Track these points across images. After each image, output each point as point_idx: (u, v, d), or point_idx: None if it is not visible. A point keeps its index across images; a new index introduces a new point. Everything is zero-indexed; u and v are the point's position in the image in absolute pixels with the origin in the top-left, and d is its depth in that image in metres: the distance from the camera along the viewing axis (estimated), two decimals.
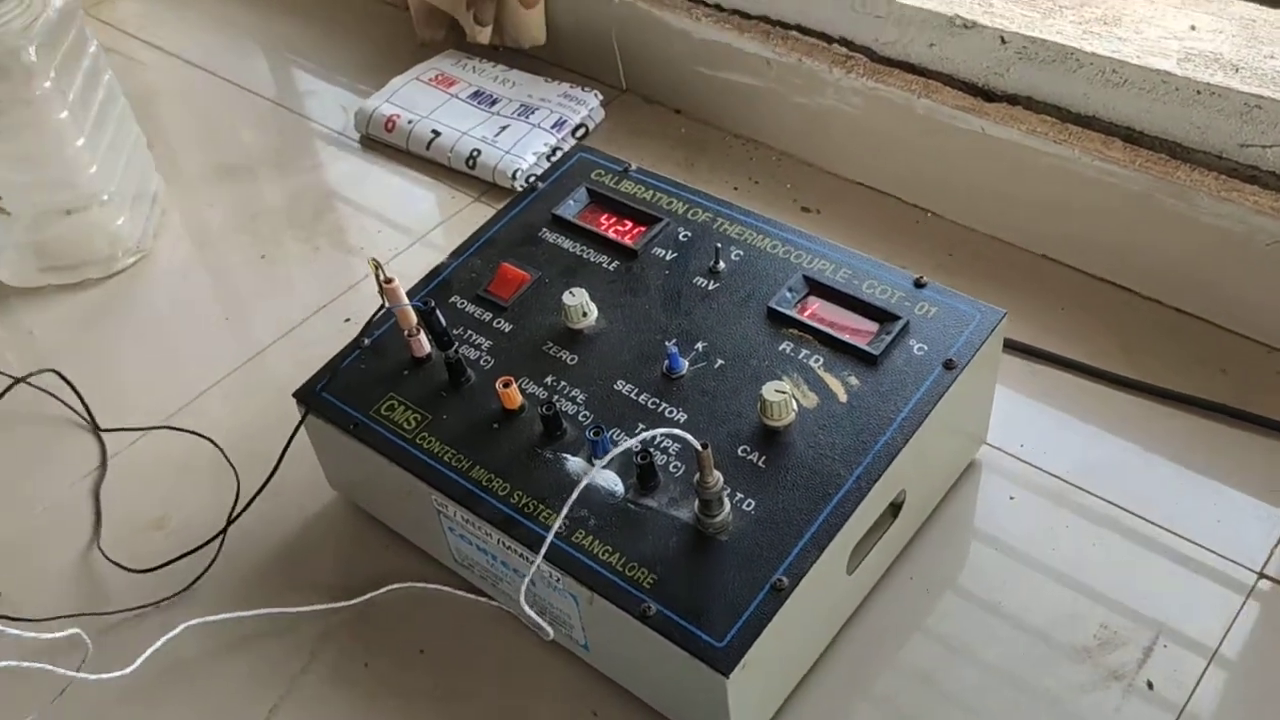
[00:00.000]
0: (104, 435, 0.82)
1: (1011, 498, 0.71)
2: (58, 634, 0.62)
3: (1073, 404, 0.76)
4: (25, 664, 0.59)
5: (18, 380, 0.82)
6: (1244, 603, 0.65)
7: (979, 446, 0.73)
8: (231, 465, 0.78)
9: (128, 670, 0.62)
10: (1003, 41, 0.80)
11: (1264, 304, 0.75)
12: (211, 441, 0.79)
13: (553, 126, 0.99)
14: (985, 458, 0.73)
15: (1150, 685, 0.62)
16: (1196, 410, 0.74)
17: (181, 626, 0.65)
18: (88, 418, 0.83)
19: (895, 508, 0.65)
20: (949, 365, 0.64)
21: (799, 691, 0.63)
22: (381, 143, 1.04)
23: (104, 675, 0.62)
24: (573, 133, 1.00)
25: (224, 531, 0.71)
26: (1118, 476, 0.71)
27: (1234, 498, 0.69)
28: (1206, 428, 0.73)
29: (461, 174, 0.99)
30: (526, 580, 0.58)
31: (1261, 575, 0.66)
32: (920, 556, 0.69)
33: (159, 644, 0.64)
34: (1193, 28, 0.77)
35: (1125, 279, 0.82)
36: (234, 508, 0.72)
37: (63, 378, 0.83)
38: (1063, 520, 0.69)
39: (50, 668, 0.60)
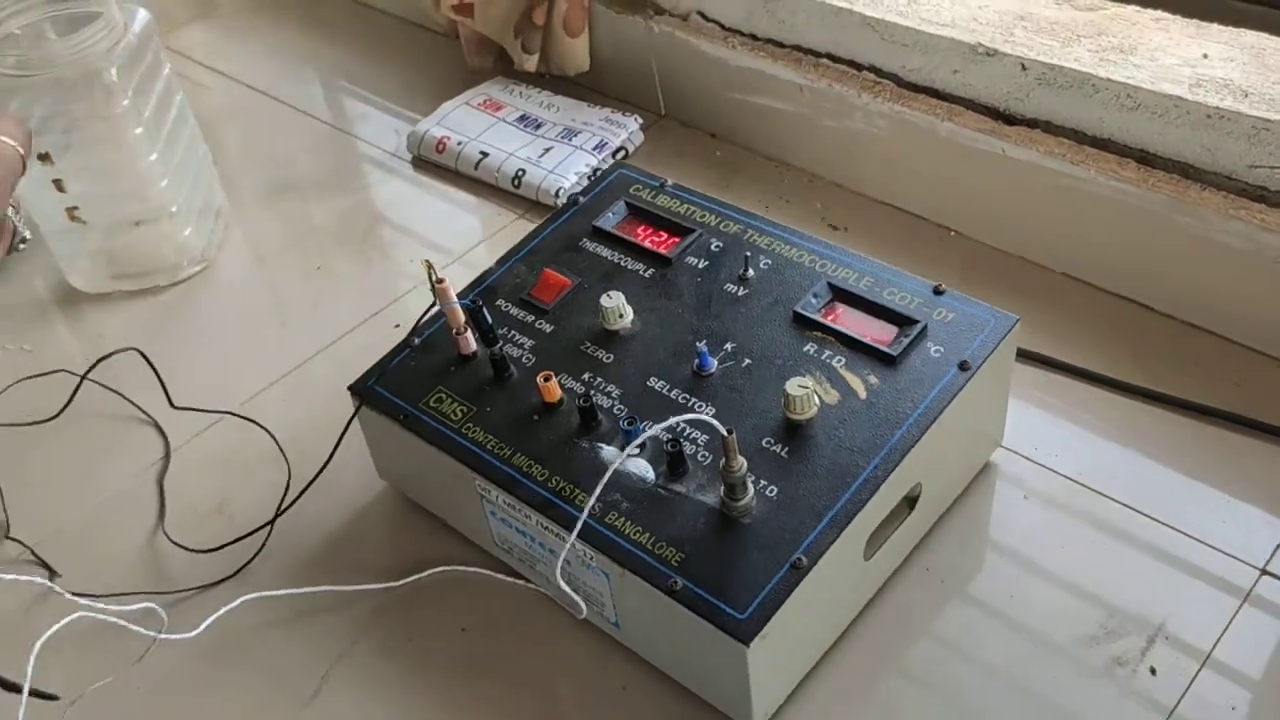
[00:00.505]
0: (166, 431, 0.87)
1: (1025, 497, 0.74)
2: (131, 606, 0.66)
3: (1087, 412, 0.79)
4: (112, 619, 0.64)
5: (101, 359, 0.87)
6: (1246, 597, 0.67)
7: (994, 448, 0.77)
8: (284, 455, 0.83)
9: (192, 635, 0.67)
10: (1023, 68, 0.85)
11: (1273, 318, 0.79)
12: (267, 430, 0.84)
13: (594, 148, 1.04)
14: (1001, 460, 0.77)
15: (1153, 672, 0.65)
16: (1208, 419, 0.77)
17: (240, 600, 0.69)
18: (149, 417, 0.88)
19: (911, 501, 0.68)
20: (964, 366, 0.67)
21: (818, 671, 0.66)
22: (432, 163, 1.10)
23: (172, 636, 0.67)
24: (613, 154, 1.05)
25: (280, 513, 0.76)
26: (1128, 480, 0.74)
27: (1241, 502, 0.72)
28: (1217, 436, 0.76)
29: (507, 193, 1.05)
30: (563, 555, 0.62)
31: (1264, 572, 0.68)
32: (936, 549, 0.72)
33: (220, 612, 0.68)
34: (1205, 56, 0.81)
35: (1140, 295, 0.85)
36: (284, 496, 0.77)
37: (145, 357, 0.87)
38: (1073, 519, 0.73)
39: (132, 626, 0.65)
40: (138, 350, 0.87)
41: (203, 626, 0.68)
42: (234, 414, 0.87)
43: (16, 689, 0.52)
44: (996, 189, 0.89)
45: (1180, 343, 0.82)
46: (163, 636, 0.67)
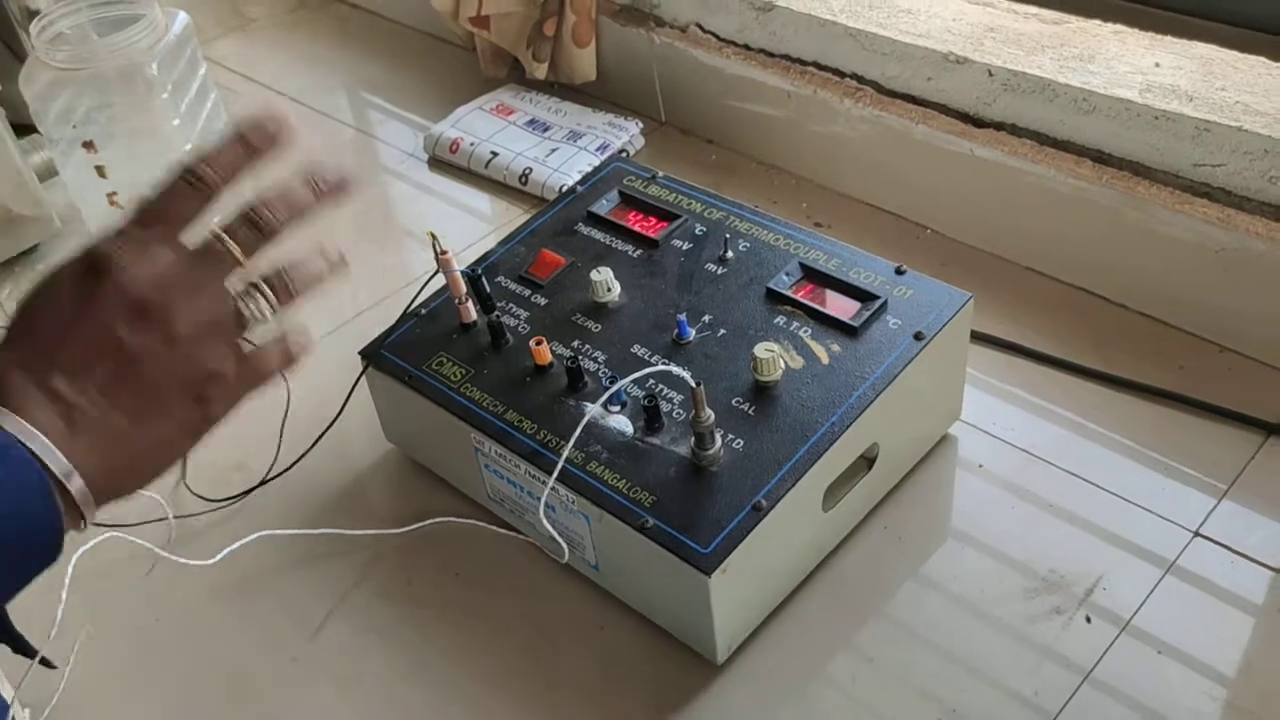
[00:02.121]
0: None
1: (980, 465, 0.80)
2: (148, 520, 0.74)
3: (1043, 392, 0.85)
4: (132, 539, 0.71)
5: None
6: (1179, 554, 0.73)
7: (953, 421, 0.83)
8: (288, 417, 0.90)
9: (209, 562, 0.74)
10: (990, 75, 0.91)
11: (1215, 307, 0.85)
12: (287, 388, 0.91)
13: (597, 149, 1.11)
14: (960, 433, 0.83)
15: (1088, 620, 0.70)
16: (1154, 398, 0.83)
17: (255, 535, 0.76)
18: None
19: (870, 460, 0.74)
20: (918, 336, 0.74)
21: (781, 615, 0.72)
22: (446, 163, 1.17)
23: (188, 561, 0.74)
24: (615, 155, 1.12)
25: (295, 462, 0.83)
26: (1077, 452, 0.80)
27: (1180, 471, 0.78)
28: (1161, 414, 0.82)
29: (515, 189, 1.12)
30: (545, 494, 0.68)
31: (1197, 534, 0.74)
32: (895, 510, 0.78)
33: (235, 546, 0.75)
34: (1157, 64, 0.88)
35: (1097, 286, 0.91)
36: (277, 446, 0.84)
37: None
38: (1024, 485, 0.79)
39: (144, 543, 0.72)
40: None
41: (219, 556, 0.75)
42: None
43: (29, 652, 0.51)
44: (966, 188, 0.95)
45: (1131, 329, 0.88)
46: (178, 559, 0.74)
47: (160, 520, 0.81)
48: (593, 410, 0.67)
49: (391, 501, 0.83)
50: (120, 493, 0.47)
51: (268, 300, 0.51)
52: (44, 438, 0.44)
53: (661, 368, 0.65)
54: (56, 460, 0.44)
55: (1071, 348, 0.87)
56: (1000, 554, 0.74)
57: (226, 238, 0.50)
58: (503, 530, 0.79)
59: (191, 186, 0.49)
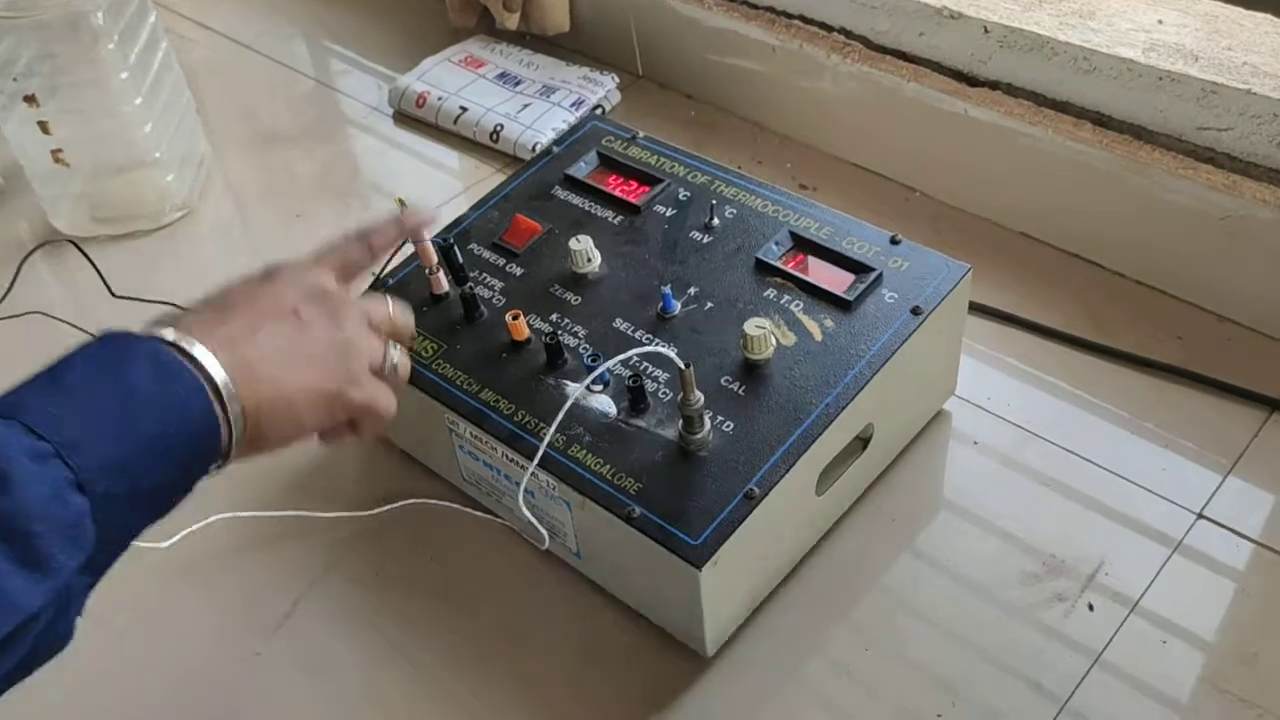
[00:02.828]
0: None
1: (975, 442, 0.77)
2: None
3: (1038, 364, 0.82)
4: None
5: (35, 248, 0.89)
6: (1183, 538, 0.70)
7: (948, 397, 0.79)
8: None
9: (163, 545, 0.69)
10: (985, 31, 0.87)
11: (1216, 276, 0.82)
12: None
13: (571, 105, 1.06)
14: (954, 408, 0.80)
15: (1091, 607, 0.68)
16: (1152, 371, 0.80)
17: (215, 517, 0.72)
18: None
19: (864, 441, 0.71)
20: (916, 311, 0.70)
21: (772, 603, 0.69)
22: (412, 117, 1.12)
23: (140, 542, 0.69)
24: (590, 112, 1.07)
25: None
26: (1075, 428, 0.77)
27: (1181, 448, 0.75)
28: (1161, 387, 0.79)
29: (485, 147, 1.07)
30: (523, 482, 0.65)
31: (1200, 515, 0.72)
32: (889, 491, 0.75)
33: (194, 528, 0.71)
34: (1160, 21, 0.84)
35: (1093, 253, 0.88)
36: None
37: (80, 251, 0.89)
38: (1021, 464, 0.76)
39: None
40: (72, 243, 0.87)
41: (174, 539, 0.70)
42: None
43: None
44: (959, 149, 0.91)
45: (1128, 299, 0.85)
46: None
47: None
48: (576, 392, 0.63)
49: (360, 481, 0.79)
50: (259, 440, 0.51)
51: (400, 354, 0.60)
52: (215, 360, 0.48)
53: (649, 348, 0.61)
54: (222, 378, 0.48)
55: (1066, 317, 0.84)
56: (999, 537, 0.72)
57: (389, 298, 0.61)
58: (478, 513, 0.75)
59: (359, 244, 0.61)
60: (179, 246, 1.02)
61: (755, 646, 0.68)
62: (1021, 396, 0.80)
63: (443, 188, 1.04)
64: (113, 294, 0.90)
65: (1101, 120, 0.84)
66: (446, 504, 0.76)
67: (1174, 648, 0.66)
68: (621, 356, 0.62)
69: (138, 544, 0.69)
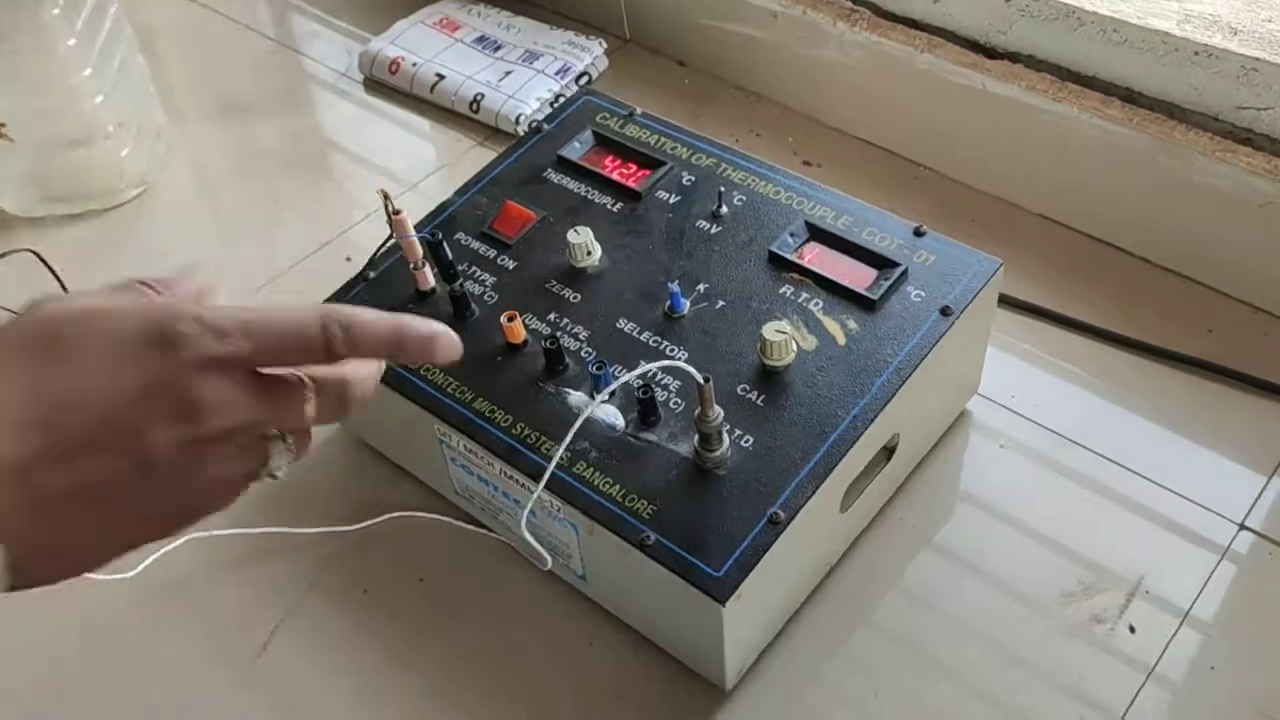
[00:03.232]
0: None
1: (1001, 446, 0.73)
2: None
3: (1063, 359, 0.77)
4: None
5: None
6: (1225, 551, 0.66)
7: (971, 396, 0.74)
8: None
9: (127, 575, 0.63)
10: None
11: (1252, 265, 0.77)
12: None
13: (556, 73, 0.99)
14: (977, 407, 0.75)
15: (1132, 630, 0.63)
16: (1184, 367, 0.76)
17: (185, 538, 0.66)
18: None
19: (889, 450, 0.66)
20: (945, 312, 0.65)
21: (790, 625, 0.65)
22: (385, 85, 1.05)
23: (100, 575, 0.63)
24: (576, 80, 1.00)
25: None
26: (1105, 430, 0.73)
27: (1218, 453, 0.71)
28: (1194, 384, 0.75)
29: (465, 118, 1.00)
30: (527, 508, 0.59)
31: (1242, 527, 0.67)
32: (911, 501, 0.70)
33: (161, 552, 0.65)
34: None
35: (1118, 238, 0.83)
36: None
37: (40, 258, 0.82)
38: (1050, 470, 0.71)
39: None
40: (31, 250, 0.81)
41: (140, 568, 0.64)
42: None
43: None
44: (975, 126, 0.86)
45: (1156, 287, 0.81)
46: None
47: None
48: (589, 408, 0.57)
49: (341, 494, 0.73)
50: (38, 581, 0.39)
51: (290, 457, 0.43)
52: None
53: (668, 363, 0.56)
54: None
55: (1090, 307, 0.79)
56: (1029, 555, 0.67)
57: (310, 384, 0.42)
58: (472, 527, 0.70)
59: (325, 346, 0.40)
60: (137, 227, 0.94)
61: (776, 675, 0.63)
62: (1046, 394, 0.75)
63: (421, 162, 0.97)
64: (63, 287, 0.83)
65: (1131, 97, 0.79)
66: (436, 517, 0.70)
67: (1223, 675, 0.62)
68: (638, 372, 0.56)
69: (99, 578, 0.64)
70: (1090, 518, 0.68)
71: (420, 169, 0.97)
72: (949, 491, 0.71)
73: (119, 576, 0.63)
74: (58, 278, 0.79)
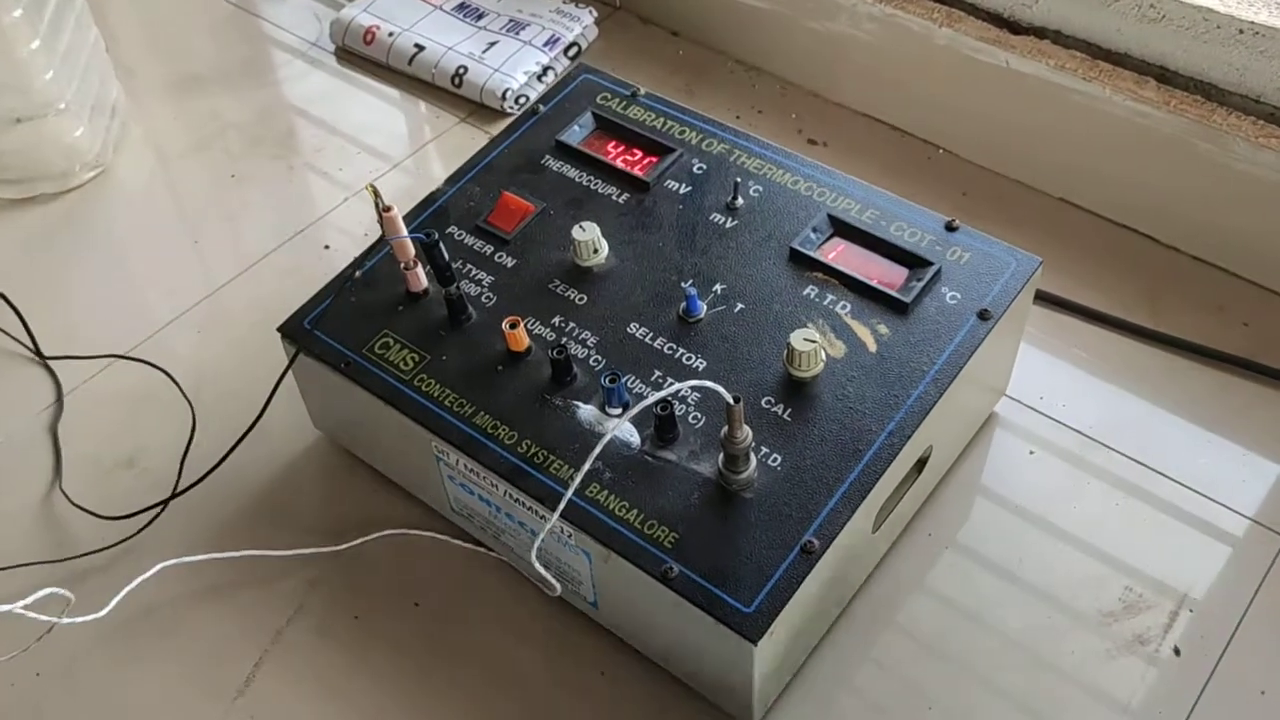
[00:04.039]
0: (58, 369, 0.76)
1: (1031, 452, 0.68)
2: (31, 598, 0.55)
3: (1091, 355, 0.73)
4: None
5: None
6: (1271, 565, 0.63)
7: (999, 399, 0.70)
8: (191, 407, 0.72)
9: (100, 614, 0.57)
10: None
11: None
12: (167, 374, 0.74)
13: (544, 44, 0.93)
14: (1004, 410, 0.70)
15: (1177, 651, 0.60)
16: (1219, 365, 0.72)
17: (158, 566, 0.60)
18: (31, 346, 0.77)
19: (921, 463, 0.61)
20: (984, 315, 0.60)
21: (816, 652, 0.60)
22: (359, 56, 0.98)
23: (76, 619, 0.57)
24: (565, 51, 0.94)
25: (189, 486, 0.66)
26: (1139, 432, 0.69)
27: (1257, 456, 0.67)
28: (1230, 383, 0.71)
29: (446, 92, 0.94)
30: (540, 537, 0.54)
31: None
32: (939, 512, 0.66)
33: (134, 584, 0.59)
34: None
35: (1147, 225, 0.78)
36: (189, 443, 0.68)
37: (5, 299, 0.77)
38: (1084, 477, 0.67)
39: (29, 614, 0.55)
40: None
41: (112, 605, 0.59)
42: (125, 356, 0.75)
43: None
44: (997, 106, 0.80)
45: (1187, 278, 0.76)
46: (66, 621, 0.58)
47: (36, 565, 0.65)
48: (596, 423, 0.52)
49: (327, 510, 0.68)
50: None
51: None
52: None
53: (695, 383, 0.51)
54: None
55: (1119, 300, 0.75)
56: (1065, 569, 0.63)
57: None
58: (470, 545, 0.64)
59: None
60: (93, 211, 0.87)
61: (801, 707, 0.59)
62: (1076, 395, 0.71)
63: (400, 141, 0.91)
64: (43, 357, 0.77)
65: (1167, 77, 0.74)
66: (432, 535, 0.65)
67: (1273, 700, 0.58)
68: (665, 393, 0.51)
69: (70, 621, 0.58)
70: (1126, 528, 0.64)
71: (401, 147, 0.90)
72: (979, 501, 0.67)
73: (92, 618, 0.57)
74: None
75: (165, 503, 0.66)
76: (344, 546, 0.65)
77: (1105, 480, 0.67)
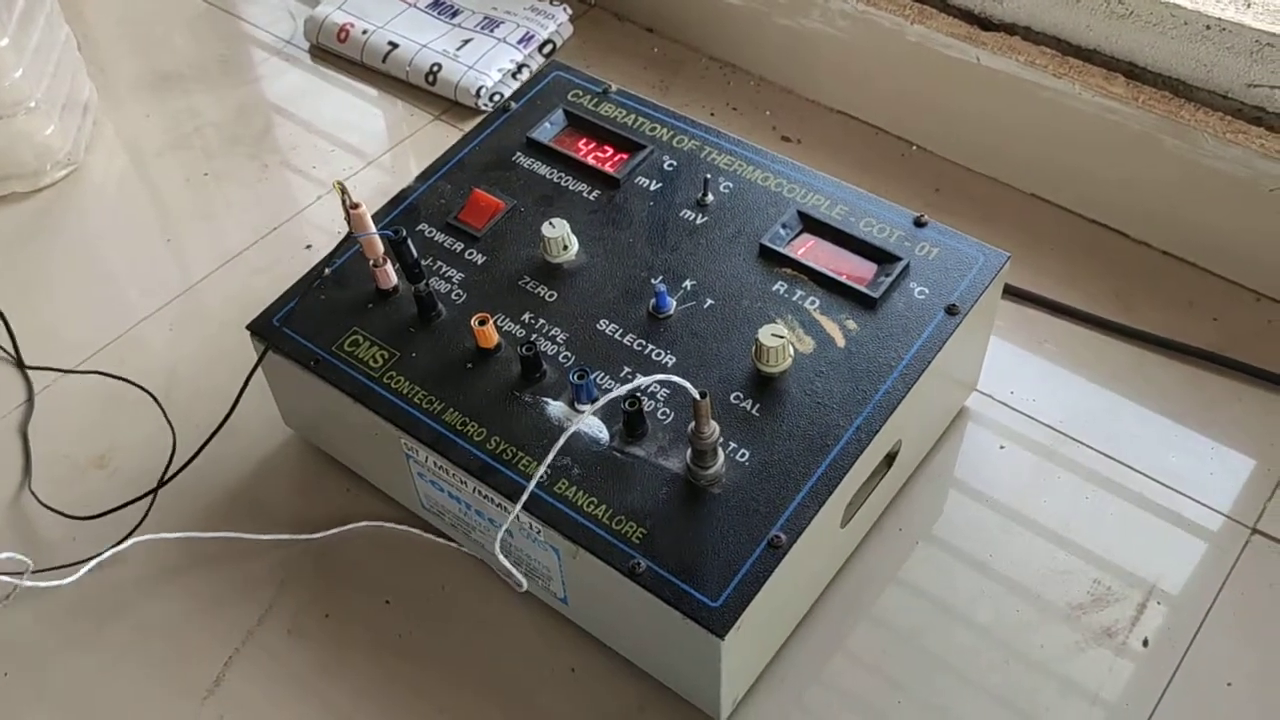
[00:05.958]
0: (29, 370, 0.75)
1: (1001, 447, 0.69)
2: None
3: (1062, 350, 0.73)
4: None
5: None
6: (1238, 558, 0.63)
7: (970, 393, 0.70)
8: (161, 407, 0.72)
9: (65, 582, 0.57)
10: None
11: (1258, 251, 0.73)
12: (142, 388, 0.73)
13: (519, 42, 0.93)
14: (975, 405, 0.71)
15: (1145, 643, 0.60)
16: (1188, 359, 0.72)
17: (132, 540, 0.59)
18: (12, 352, 0.76)
19: (890, 458, 0.62)
20: (951, 310, 0.60)
21: (785, 648, 0.60)
22: (333, 53, 0.98)
23: (44, 583, 0.56)
24: (539, 49, 0.94)
25: (168, 476, 0.66)
26: (1109, 426, 0.69)
27: (1226, 449, 0.68)
28: (1198, 377, 0.71)
29: (421, 90, 0.93)
30: (502, 530, 0.54)
31: (1255, 530, 0.64)
32: (910, 506, 0.66)
33: (105, 555, 0.58)
34: None
35: (1117, 221, 0.79)
36: (172, 455, 0.68)
37: None
38: (1054, 470, 0.67)
39: None
40: None
41: (83, 571, 0.58)
42: (99, 373, 0.75)
43: None
44: (969, 102, 0.81)
45: (1157, 273, 0.77)
46: (28, 584, 0.57)
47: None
48: (576, 422, 0.52)
49: (299, 507, 0.67)
50: None
51: None
52: None
53: (661, 377, 0.51)
54: None
55: (1089, 295, 0.76)
56: (1034, 563, 0.63)
57: None
58: (441, 540, 0.65)
59: None
60: (65, 211, 0.87)
61: (770, 702, 0.59)
62: (1046, 389, 0.71)
63: (374, 139, 0.91)
64: (22, 364, 0.76)
65: (1135, 73, 0.74)
66: (404, 529, 0.65)
67: (1240, 691, 0.58)
68: (628, 388, 0.51)
69: (30, 584, 0.57)
70: (1095, 522, 0.65)
71: (375, 145, 0.90)
72: (948, 496, 0.67)
73: (56, 584, 0.57)
74: None
75: (133, 502, 0.66)
76: (315, 536, 0.65)
77: (1075, 474, 0.67)
